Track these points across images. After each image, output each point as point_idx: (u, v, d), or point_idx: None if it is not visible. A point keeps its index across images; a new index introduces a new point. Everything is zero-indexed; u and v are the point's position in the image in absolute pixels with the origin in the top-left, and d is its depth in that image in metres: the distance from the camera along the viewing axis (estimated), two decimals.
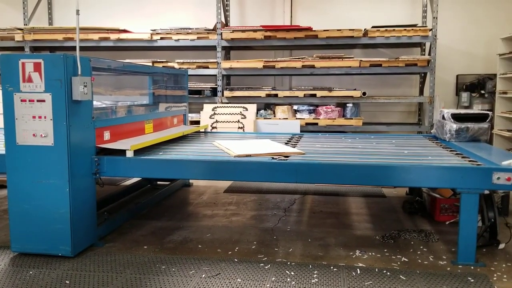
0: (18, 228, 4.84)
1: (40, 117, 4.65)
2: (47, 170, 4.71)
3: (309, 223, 6.13)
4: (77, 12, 4.85)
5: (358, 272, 4.50)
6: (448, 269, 4.61)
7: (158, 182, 7.97)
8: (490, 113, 6.39)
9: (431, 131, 7.71)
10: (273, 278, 4.36)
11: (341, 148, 6.07)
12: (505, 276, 4.44)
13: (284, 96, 9.02)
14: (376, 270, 4.54)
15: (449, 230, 5.77)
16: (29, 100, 4.64)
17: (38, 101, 4.63)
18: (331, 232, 5.74)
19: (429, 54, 8.80)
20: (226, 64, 9.11)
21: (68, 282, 4.28)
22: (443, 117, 6.57)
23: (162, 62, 9.33)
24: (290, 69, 9.03)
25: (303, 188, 7.95)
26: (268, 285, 4.21)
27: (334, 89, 8.93)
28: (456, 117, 6.36)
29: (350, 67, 8.77)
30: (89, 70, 4.93)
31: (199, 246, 5.27)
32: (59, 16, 10.71)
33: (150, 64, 8.96)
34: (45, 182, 4.73)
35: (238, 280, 4.32)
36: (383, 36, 8.64)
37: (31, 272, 4.50)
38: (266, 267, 4.62)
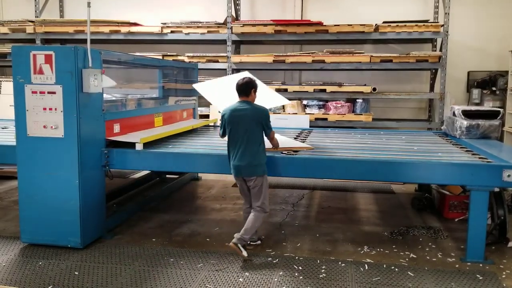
0: (28, 219, 4.89)
1: (50, 109, 4.68)
2: (57, 162, 4.75)
3: (317, 218, 6.13)
4: (88, 4, 4.87)
5: (366, 267, 4.50)
6: (457, 266, 4.59)
7: (167, 176, 8.00)
8: (501, 110, 6.35)
9: (442, 127, 7.65)
10: (281, 273, 4.36)
11: (350, 144, 6.05)
12: None
13: (294, 91, 8.99)
14: (384, 266, 4.54)
15: (458, 227, 5.74)
16: (40, 92, 4.68)
17: (49, 93, 4.66)
18: (339, 227, 5.73)
19: (440, 50, 8.72)
20: (236, 58, 9.09)
21: (77, 273, 4.31)
22: (454, 114, 6.53)
23: (172, 55, 9.33)
24: (300, 64, 8.99)
25: (312, 183, 7.95)
26: (276, 279, 4.22)
27: (344, 84, 8.89)
28: (467, 114, 6.31)
29: (360, 62, 8.72)
30: (100, 63, 4.95)
31: (207, 239, 5.28)
32: (70, 9, 10.73)
33: (160, 57, 8.97)
34: (55, 174, 4.76)
35: (246, 274, 4.33)
36: (394, 31, 8.57)
37: (40, 263, 4.54)
38: (274, 261, 4.63)
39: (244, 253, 4.61)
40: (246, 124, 4.65)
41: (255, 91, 4.83)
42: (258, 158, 4.66)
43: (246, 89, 4.77)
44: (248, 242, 4.93)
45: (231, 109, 4.76)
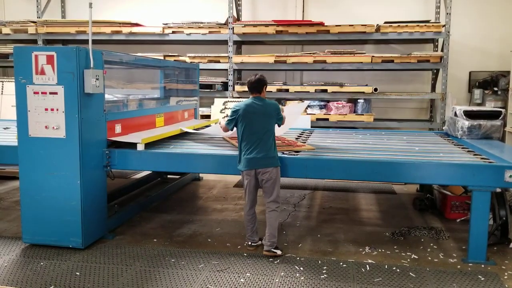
0: (30, 219, 4.89)
1: (52, 109, 4.68)
2: (58, 162, 4.75)
3: (319, 218, 6.12)
4: (90, 5, 4.87)
5: (368, 268, 4.49)
6: (458, 267, 4.58)
7: (168, 176, 8.00)
8: (503, 110, 6.35)
9: (443, 128, 7.65)
10: (282, 273, 4.36)
11: (352, 144, 6.04)
12: None
13: (295, 91, 8.99)
14: (386, 266, 4.53)
15: (459, 227, 5.73)
16: (42, 93, 4.68)
17: (50, 93, 4.66)
18: (341, 228, 5.73)
19: (442, 51, 8.72)
20: (237, 59, 9.09)
21: (78, 273, 4.32)
22: (455, 114, 6.52)
23: (174, 56, 9.34)
24: (302, 64, 8.99)
25: (313, 183, 7.94)
26: (277, 280, 4.22)
27: (346, 84, 8.89)
28: (469, 114, 6.31)
29: (361, 62, 8.71)
30: (101, 63, 4.95)
31: (209, 240, 5.28)
32: (72, 9, 10.74)
33: (162, 58, 8.97)
34: (57, 174, 4.77)
35: (248, 274, 4.33)
36: (395, 31, 8.56)
37: (42, 263, 4.54)
38: (275, 262, 4.63)
39: (279, 252, 4.82)
40: (262, 118, 4.80)
41: (265, 88, 5.01)
42: (272, 151, 4.81)
43: (258, 86, 4.93)
44: (249, 243, 4.95)
45: (246, 104, 4.87)
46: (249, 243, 4.97)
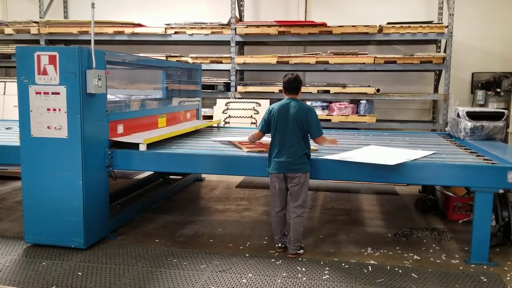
0: (32, 219, 4.89)
1: (54, 109, 4.68)
2: (60, 163, 4.75)
3: (321, 219, 6.12)
4: (93, 5, 4.87)
5: (370, 269, 4.48)
6: (461, 268, 4.57)
7: (170, 176, 8.00)
8: (505, 111, 6.33)
9: (446, 129, 7.64)
10: (284, 274, 4.35)
11: (354, 145, 6.02)
12: None
13: None
14: (388, 267, 4.52)
15: (462, 229, 5.72)
16: (44, 93, 4.68)
17: (53, 93, 4.66)
18: (343, 228, 5.72)
19: (445, 51, 8.70)
20: (239, 59, 9.09)
21: (80, 273, 4.32)
22: (458, 115, 6.51)
23: (176, 56, 9.34)
24: (304, 65, 8.98)
25: (315, 184, 7.93)
26: (279, 281, 4.21)
27: (348, 85, 8.88)
28: (471, 115, 6.29)
29: (364, 63, 8.70)
30: (104, 64, 4.95)
31: (211, 240, 5.28)
32: (74, 10, 10.76)
33: (164, 58, 8.97)
34: (59, 174, 4.77)
35: (249, 275, 4.33)
36: (398, 32, 8.55)
37: (44, 263, 4.54)
38: (278, 262, 4.62)
39: (302, 251, 4.88)
40: (293, 121, 4.67)
41: (301, 89, 4.92)
42: (303, 156, 4.69)
43: (297, 86, 4.86)
44: (279, 245, 4.94)
45: (280, 104, 4.79)
46: (280, 245, 4.93)
